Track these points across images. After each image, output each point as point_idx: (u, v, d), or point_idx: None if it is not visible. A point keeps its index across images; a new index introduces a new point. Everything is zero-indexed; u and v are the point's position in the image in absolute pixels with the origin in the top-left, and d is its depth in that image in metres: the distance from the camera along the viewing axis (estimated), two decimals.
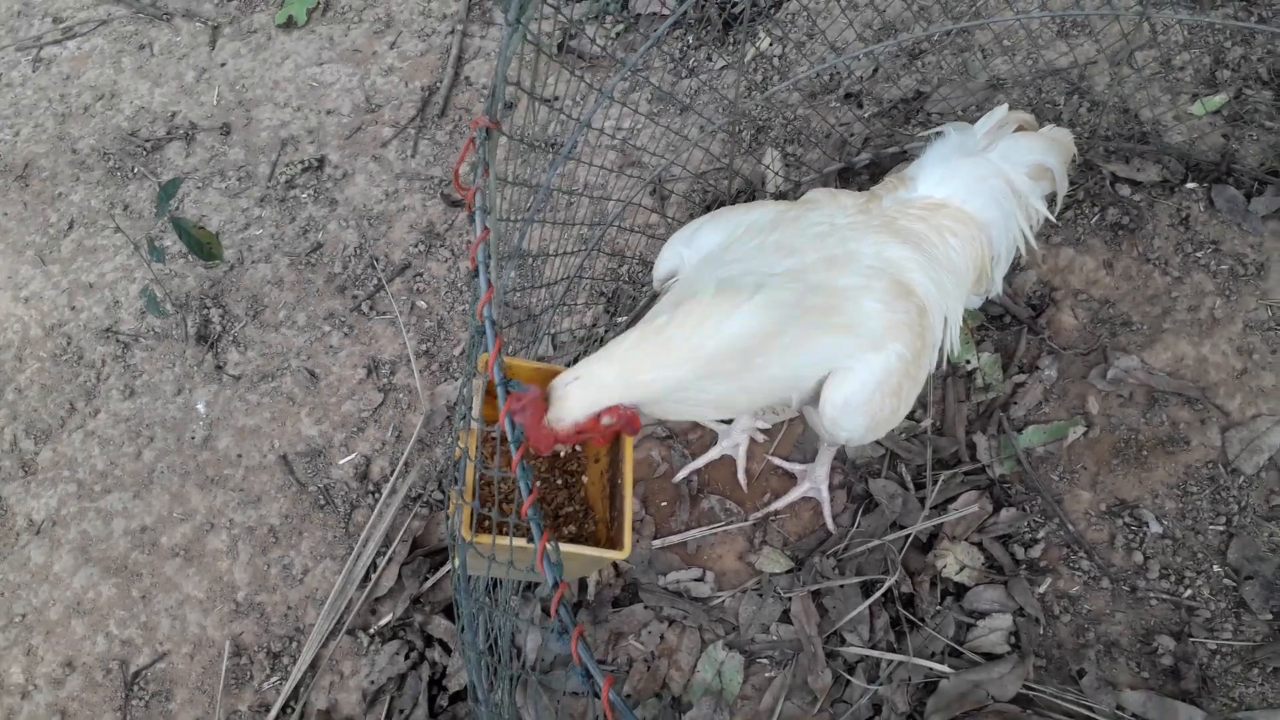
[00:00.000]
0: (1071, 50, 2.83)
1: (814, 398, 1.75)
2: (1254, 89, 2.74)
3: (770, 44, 3.12)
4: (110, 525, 2.55)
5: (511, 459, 1.09)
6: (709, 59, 3.13)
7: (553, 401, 1.49)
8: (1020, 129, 2.05)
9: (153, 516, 2.56)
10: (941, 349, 1.93)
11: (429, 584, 2.37)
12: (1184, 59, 2.82)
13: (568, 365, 1.61)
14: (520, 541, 1.31)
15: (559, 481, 1.72)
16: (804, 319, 1.64)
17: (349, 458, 2.58)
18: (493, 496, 1.32)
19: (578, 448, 1.76)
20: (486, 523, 1.37)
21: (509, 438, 1.08)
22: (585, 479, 1.71)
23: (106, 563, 2.50)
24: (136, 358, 2.80)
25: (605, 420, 1.51)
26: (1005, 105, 2.09)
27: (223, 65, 3.38)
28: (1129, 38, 2.50)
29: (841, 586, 2.26)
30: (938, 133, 2.07)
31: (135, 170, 3.17)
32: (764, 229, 1.81)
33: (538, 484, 1.69)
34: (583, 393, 1.49)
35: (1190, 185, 2.64)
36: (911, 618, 2.20)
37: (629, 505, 1.50)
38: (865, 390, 1.70)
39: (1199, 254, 2.54)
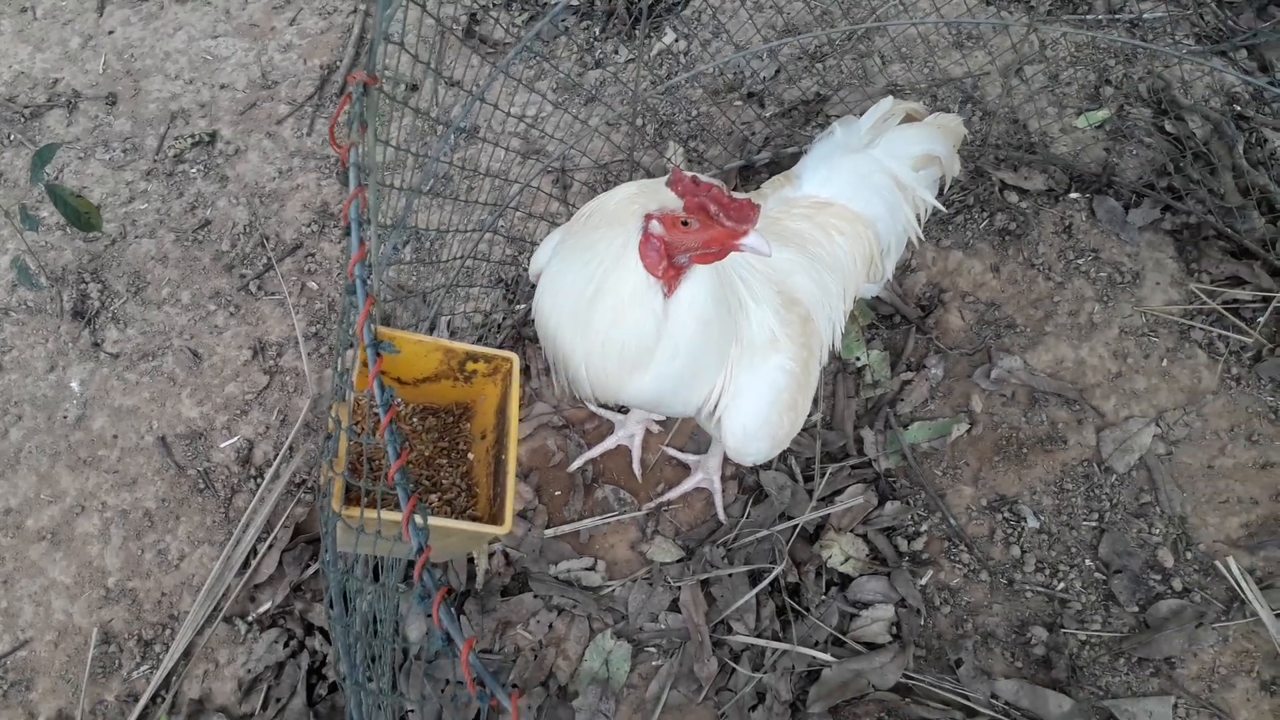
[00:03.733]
0: (965, 59, 2.91)
1: (703, 413, 1.73)
2: (1134, 106, 2.87)
3: (676, 40, 3.13)
4: None
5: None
6: (615, 52, 3.13)
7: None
8: (909, 118, 2.08)
9: (18, 498, 2.43)
10: (825, 351, 1.93)
11: (310, 571, 2.30)
12: (1070, 75, 2.93)
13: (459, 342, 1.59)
14: (393, 516, 1.28)
15: (442, 459, 1.68)
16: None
17: (231, 441, 2.49)
18: (366, 466, 1.28)
19: (464, 424, 1.73)
20: (358, 498, 1.33)
21: (377, 400, 1.05)
22: (471, 456, 1.69)
23: None
24: (6, 332, 2.66)
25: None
26: (890, 98, 2.11)
27: (111, 33, 3.24)
28: (1017, 48, 2.58)
29: (730, 576, 2.27)
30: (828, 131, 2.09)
31: (11, 138, 3.01)
32: None
33: (410, 451, 1.65)
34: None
35: (1074, 195, 2.74)
36: (797, 607, 2.23)
37: (511, 480, 1.48)
38: (760, 414, 1.69)
39: (1080, 261, 2.64)
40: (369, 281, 1.09)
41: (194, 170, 2.94)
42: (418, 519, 1.00)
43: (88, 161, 2.96)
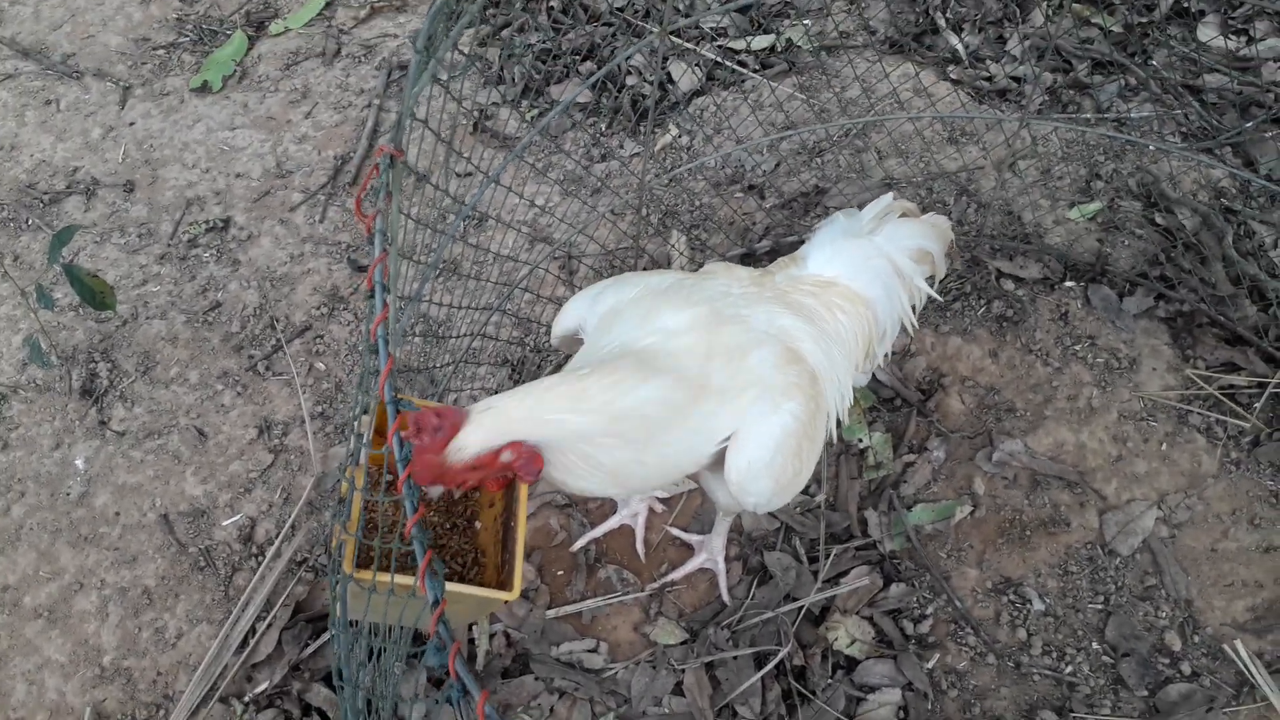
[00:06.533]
0: (960, 154, 3.01)
1: (714, 465, 1.76)
2: (1125, 199, 2.95)
3: (679, 135, 3.24)
4: None
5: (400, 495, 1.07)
6: (621, 146, 3.24)
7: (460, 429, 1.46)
8: (904, 215, 2.16)
9: (17, 575, 2.41)
10: (832, 420, 1.97)
11: (310, 650, 2.28)
12: (1062, 169, 3.03)
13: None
14: (405, 580, 1.29)
15: (449, 525, 1.69)
16: (704, 402, 1.66)
17: (233, 519, 2.49)
18: (379, 530, 1.29)
19: (473, 493, 1.74)
20: (369, 561, 1.34)
21: (396, 456, 1.07)
22: (479, 524, 1.69)
23: None
24: (14, 410, 2.68)
25: (505, 456, 1.48)
26: (891, 193, 2.20)
27: (131, 125, 3.35)
28: (1010, 143, 2.68)
29: (735, 658, 2.24)
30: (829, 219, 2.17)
31: (30, 222, 3.08)
32: (662, 292, 1.85)
33: (430, 517, 1.66)
34: (490, 423, 1.47)
35: (1069, 283, 2.81)
36: (803, 690, 2.20)
37: (520, 546, 1.48)
38: (767, 452, 1.71)
39: (1077, 347, 2.69)
40: (389, 343, 1.12)
41: (207, 254, 3.00)
42: (434, 568, 1.01)
43: (103, 245, 3.02)
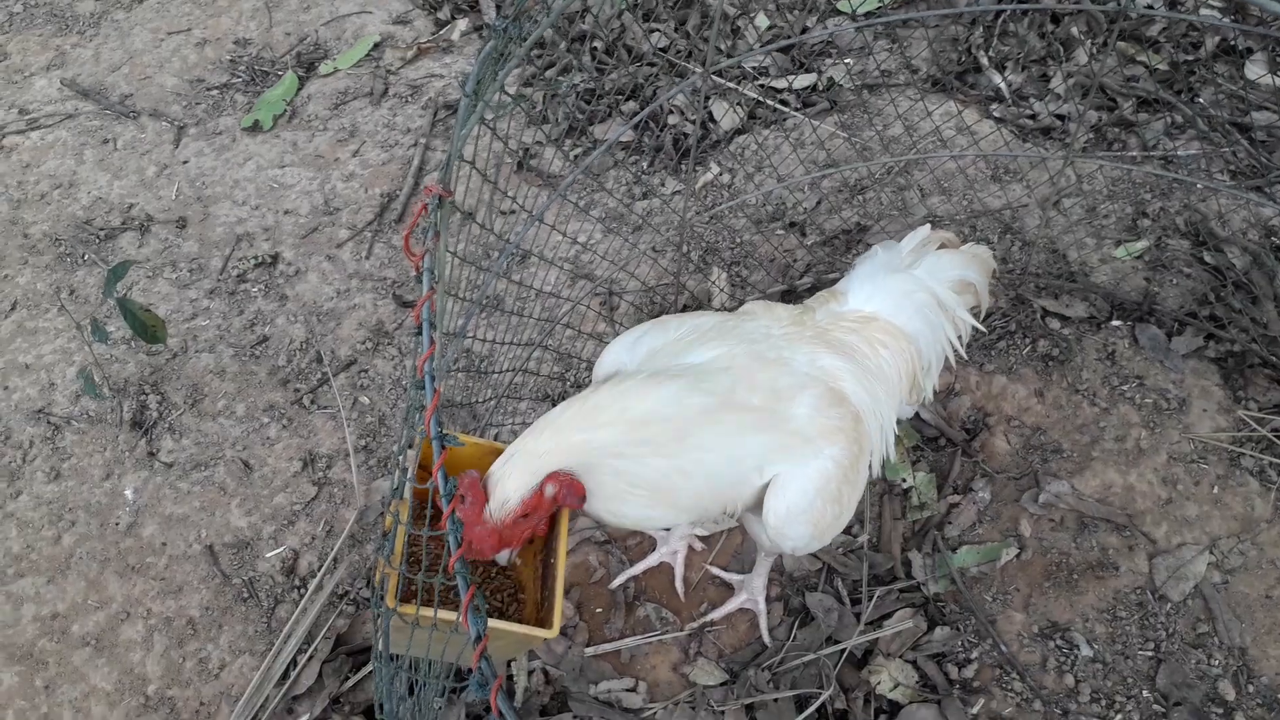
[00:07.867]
0: (1003, 192, 2.99)
1: (755, 506, 1.76)
2: (1173, 238, 2.92)
3: (720, 173, 3.26)
4: (20, 610, 2.44)
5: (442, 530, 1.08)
6: (662, 184, 3.26)
7: (491, 489, 1.48)
8: (943, 246, 2.15)
9: (66, 603, 2.45)
10: (877, 458, 1.95)
11: (350, 684, 2.28)
12: (1108, 207, 3.00)
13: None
14: (448, 615, 1.29)
15: (490, 563, 1.69)
16: (735, 413, 1.65)
17: (277, 551, 2.51)
18: (422, 565, 1.30)
19: None
20: (412, 596, 1.34)
21: (441, 491, 1.08)
22: (518, 561, 1.69)
23: (11, 649, 2.38)
24: (66, 440, 2.74)
25: (549, 490, 1.50)
26: (928, 225, 2.19)
27: (185, 163, 3.44)
28: (1054, 181, 2.66)
29: (775, 701, 2.21)
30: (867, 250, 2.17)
31: (86, 257, 3.17)
32: (702, 333, 1.85)
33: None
34: (521, 466, 1.49)
35: (1115, 323, 2.77)
36: None
37: (560, 584, 1.48)
38: (806, 497, 1.71)
39: (1125, 387, 2.65)
40: (435, 379, 1.14)
41: (255, 289, 3.06)
42: (477, 604, 1.02)
43: (155, 280, 3.09)
